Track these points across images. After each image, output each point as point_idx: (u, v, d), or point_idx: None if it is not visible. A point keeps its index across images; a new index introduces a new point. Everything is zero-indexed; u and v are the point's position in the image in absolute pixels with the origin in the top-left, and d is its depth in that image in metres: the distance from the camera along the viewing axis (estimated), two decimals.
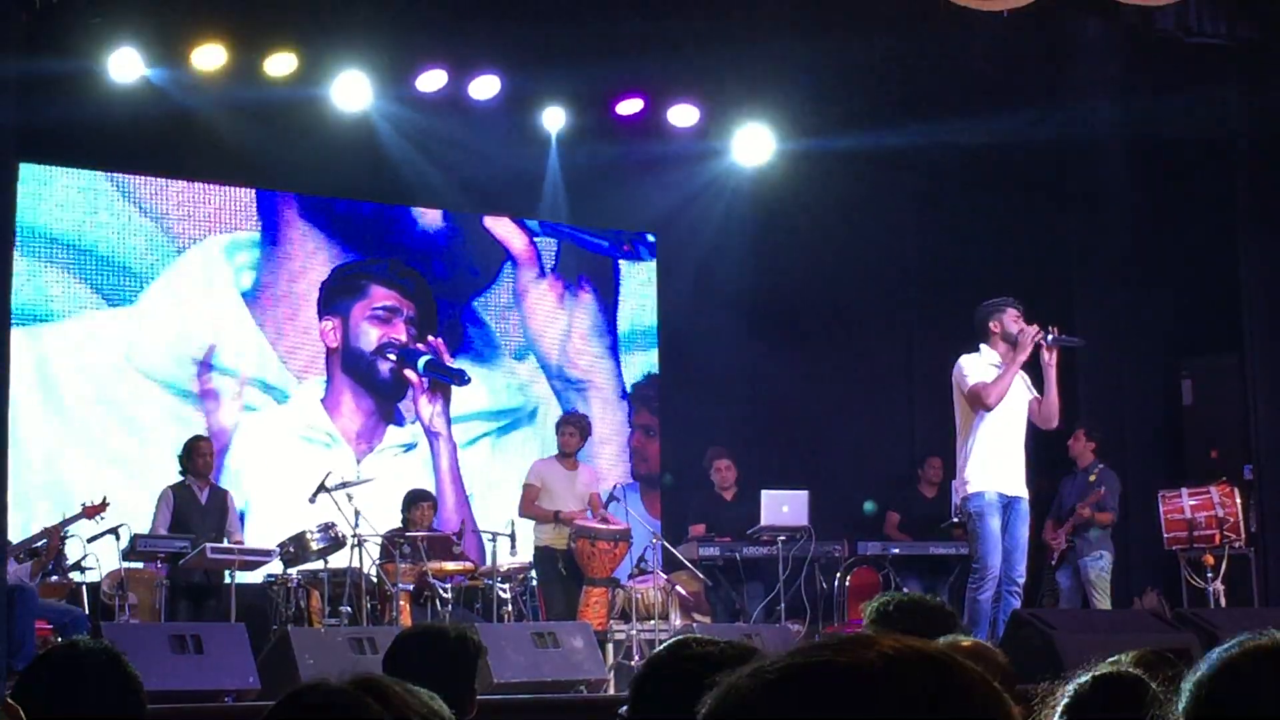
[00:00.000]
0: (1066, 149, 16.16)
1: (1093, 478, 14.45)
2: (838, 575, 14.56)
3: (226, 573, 13.10)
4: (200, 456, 13.73)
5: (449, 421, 16.18)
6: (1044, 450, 15.46)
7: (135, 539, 13.01)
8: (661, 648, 3.40)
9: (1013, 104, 15.45)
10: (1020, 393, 11.55)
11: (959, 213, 16.82)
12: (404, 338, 16.16)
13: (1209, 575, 13.93)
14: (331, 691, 2.25)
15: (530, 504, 14.05)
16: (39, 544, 12.75)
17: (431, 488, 15.12)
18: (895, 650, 1.61)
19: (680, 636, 3.37)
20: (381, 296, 16.26)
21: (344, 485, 13.42)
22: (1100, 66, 15.26)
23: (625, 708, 3.37)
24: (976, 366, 11.54)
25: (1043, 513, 14.64)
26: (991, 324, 11.59)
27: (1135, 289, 15.97)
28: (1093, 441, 14.67)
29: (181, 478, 13.68)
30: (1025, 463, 11.56)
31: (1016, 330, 11.47)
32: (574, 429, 14.31)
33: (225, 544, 13.30)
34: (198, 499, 13.60)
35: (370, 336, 16.18)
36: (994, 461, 11.36)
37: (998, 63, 14.95)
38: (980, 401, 11.35)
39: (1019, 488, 11.38)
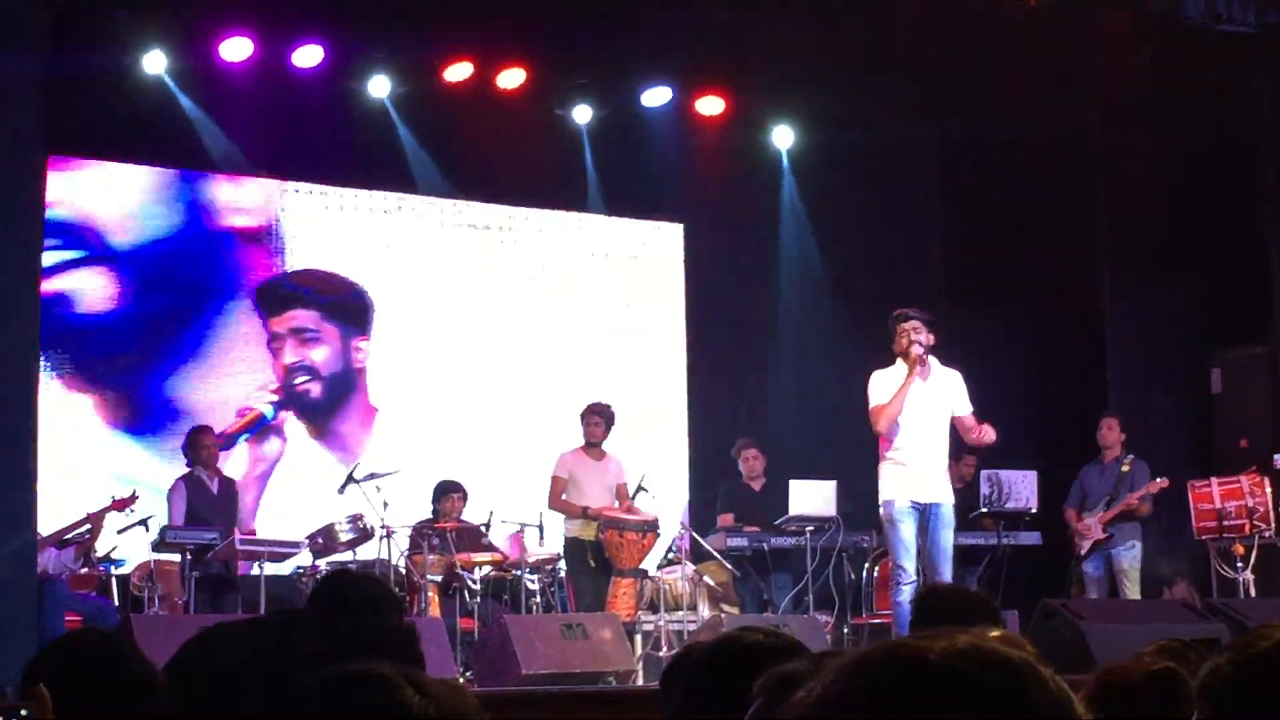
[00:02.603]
0: (1094, 139, 16.11)
1: (1126, 467, 14.40)
2: (866, 566, 14.52)
3: (256, 564, 13.12)
4: (204, 447, 13.65)
5: None
6: (1061, 437, 15.46)
7: (164, 531, 13.03)
8: (713, 640, 3.37)
9: (1040, 94, 15.41)
10: (936, 402, 11.54)
11: (986, 203, 16.77)
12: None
13: (1239, 565, 13.88)
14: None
15: (557, 497, 14.00)
16: (80, 530, 12.77)
17: None
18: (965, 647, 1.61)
19: (732, 630, 3.35)
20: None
21: (372, 476, 13.44)
22: (1128, 55, 15.21)
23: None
24: (878, 385, 11.57)
25: (1062, 499, 14.63)
26: (894, 338, 11.62)
27: (1164, 279, 15.92)
28: (1124, 433, 14.64)
29: (189, 469, 13.65)
30: (946, 469, 11.64)
31: (903, 349, 11.55)
32: (600, 419, 14.22)
33: (254, 535, 13.33)
34: (209, 489, 13.55)
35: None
36: (905, 470, 11.46)
37: (1025, 52, 14.91)
38: (873, 423, 11.53)
39: (936, 494, 11.45)
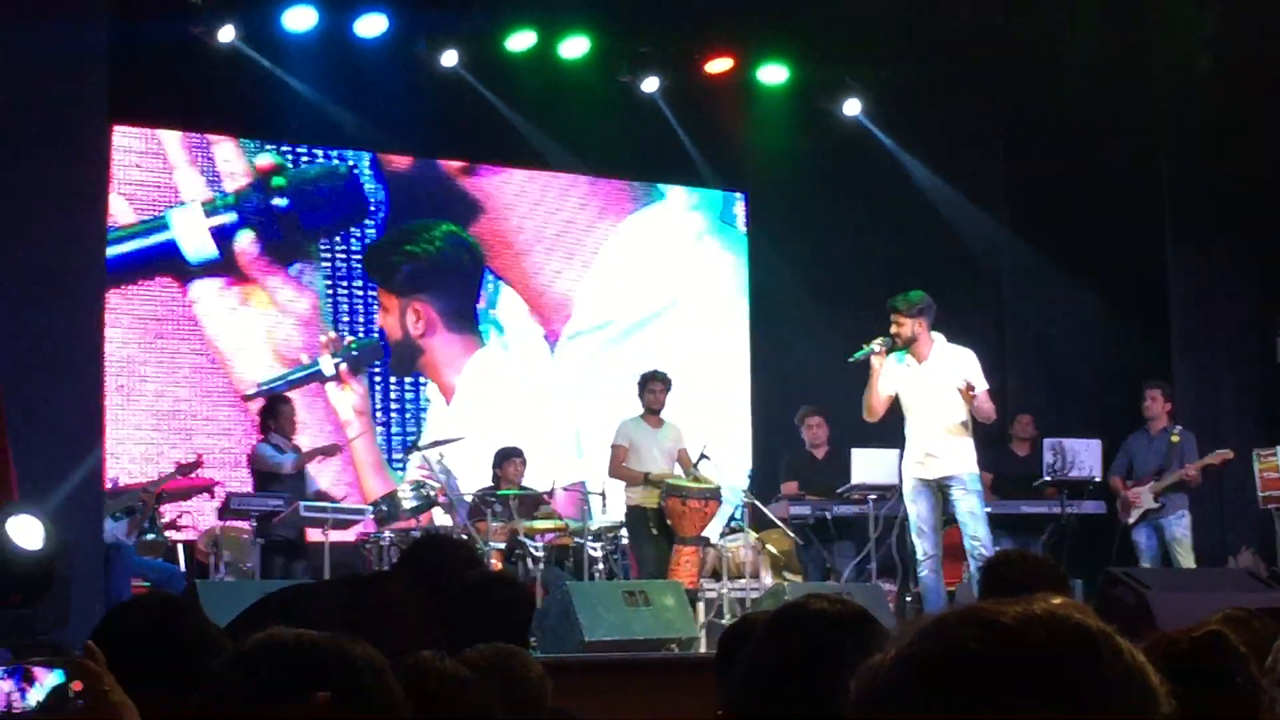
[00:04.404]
0: (1159, 105, 16.01)
1: (1175, 438, 14.32)
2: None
3: (319, 531, 13.20)
4: (284, 416, 13.78)
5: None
6: (1125, 407, 15.39)
7: (230, 497, 13.12)
8: (776, 608, 3.38)
9: (1106, 60, 15.33)
10: (936, 383, 11.85)
11: (1049, 170, 16.70)
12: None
13: None
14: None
15: (619, 465, 13.97)
16: (135, 503, 12.90)
17: None
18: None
19: (796, 597, 3.36)
20: None
21: (435, 444, 13.49)
22: (1196, 14, 15.12)
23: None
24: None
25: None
26: None
27: (1229, 248, 15.82)
28: (1169, 403, 14.56)
29: (262, 435, 13.71)
30: (962, 442, 11.88)
31: None
32: (661, 385, 14.15)
33: (318, 503, 13.39)
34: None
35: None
36: (912, 451, 11.98)
37: (1090, 18, 14.83)
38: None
39: (947, 468, 11.83)
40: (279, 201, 15.66)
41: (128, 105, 13.51)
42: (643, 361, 15.00)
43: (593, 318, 17.07)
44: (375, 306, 16.10)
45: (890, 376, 11.88)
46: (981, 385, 11.89)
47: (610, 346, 16.99)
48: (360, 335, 15.91)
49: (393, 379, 16.11)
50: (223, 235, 15.44)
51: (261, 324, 15.53)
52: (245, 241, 15.52)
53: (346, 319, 15.90)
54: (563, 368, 16.86)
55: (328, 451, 14.23)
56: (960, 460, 11.85)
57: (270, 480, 13.43)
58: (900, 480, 12.18)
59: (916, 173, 16.95)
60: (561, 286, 16.98)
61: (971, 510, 11.78)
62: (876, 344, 11.84)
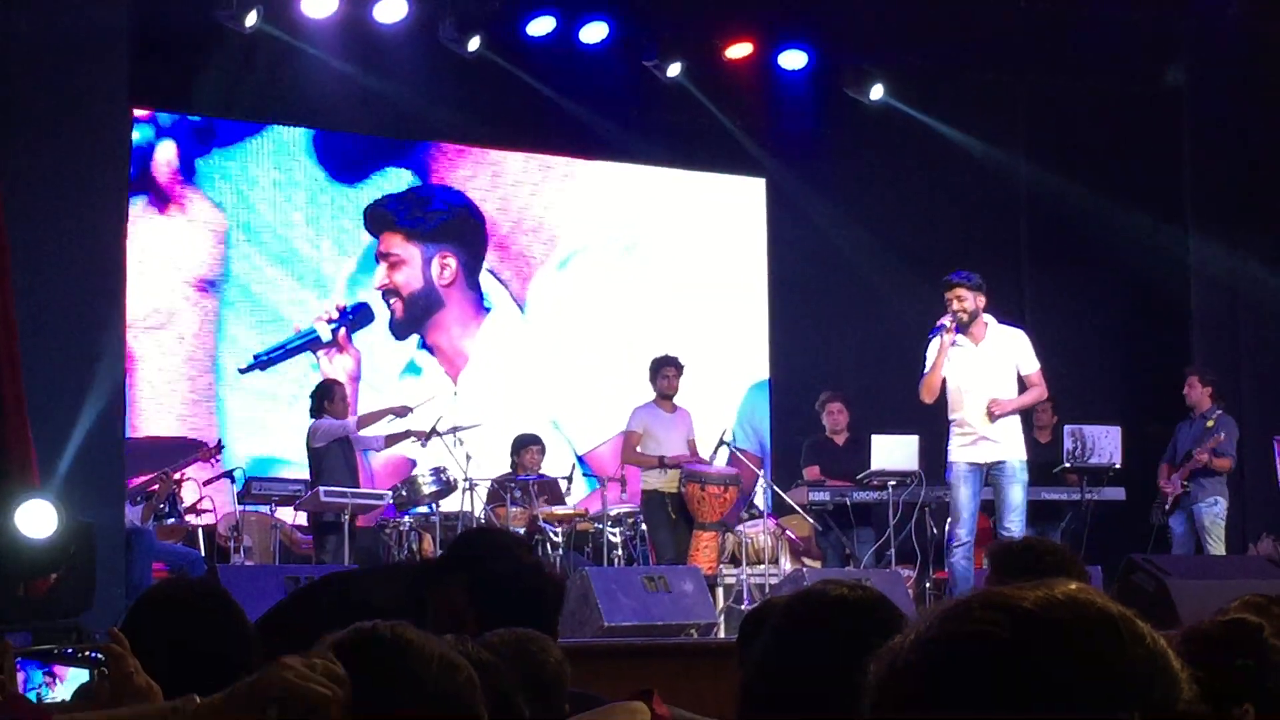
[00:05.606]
0: (1182, 90, 15.98)
1: (1210, 423, 14.26)
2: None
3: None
4: (341, 399, 13.80)
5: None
6: (1146, 393, 15.38)
7: (250, 482, 13.14)
8: (795, 593, 3.39)
9: (1129, 46, 15.30)
10: (992, 364, 11.71)
11: (1073, 152, 16.67)
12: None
13: None
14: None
15: (632, 450, 13.95)
16: (152, 487, 12.95)
17: None
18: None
19: (815, 583, 3.37)
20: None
21: (455, 429, 13.51)
22: (1217, 6, 15.10)
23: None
24: (930, 352, 11.77)
25: (1158, 458, 14.53)
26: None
27: (1251, 231, 15.79)
28: (1208, 387, 14.49)
29: (317, 418, 13.73)
30: (1015, 426, 11.74)
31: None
32: (675, 370, 14.12)
33: (339, 486, 13.40)
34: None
35: None
36: (963, 433, 11.72)
37: (1114, 4, 14.81)
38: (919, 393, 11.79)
39: (1000, 453, 11.63)
40: (195, 115, 15.25)
41: (146, 89, 13.55)
42: (658, 346, 14.98)
43: (610, 298, 17.09)
44: (372, 265, 16.04)
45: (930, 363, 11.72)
46: (1032, 367, 11.81)
47: (626, 330, 16.97)
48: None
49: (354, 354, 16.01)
50: (139, 152, 14.74)
51: (178, 243, 15.14)
52: (164, 155, 15.12)
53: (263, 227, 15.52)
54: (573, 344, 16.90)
55: (398, 412, 14.15)
56: (1012, 445, 11.69)
57: (326, 456, 13.39)
58: (948, 462, 11.82)
59: (935, 158, 16.90)
60: (579, 264, 17.01)
61: (1012, 500, 11.59)
62: (946, 320, 11.59)
